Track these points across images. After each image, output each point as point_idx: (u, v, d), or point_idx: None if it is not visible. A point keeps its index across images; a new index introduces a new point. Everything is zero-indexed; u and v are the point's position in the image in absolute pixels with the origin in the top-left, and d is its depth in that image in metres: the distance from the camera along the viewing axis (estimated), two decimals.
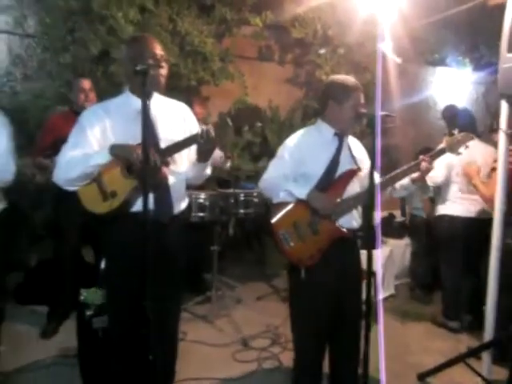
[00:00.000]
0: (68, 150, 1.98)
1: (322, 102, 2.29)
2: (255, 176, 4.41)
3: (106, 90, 3.98)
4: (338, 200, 2.14)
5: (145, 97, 1.71)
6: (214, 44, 4.32)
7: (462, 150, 2.34)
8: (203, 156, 2.02)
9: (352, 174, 2.17)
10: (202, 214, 3.52)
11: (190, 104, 2.32)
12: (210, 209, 3.53)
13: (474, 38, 5.68)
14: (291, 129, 4.57)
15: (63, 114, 3.36)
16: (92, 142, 1.96)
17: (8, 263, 4.09)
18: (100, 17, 3.87)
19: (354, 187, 2.19)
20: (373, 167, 1.89)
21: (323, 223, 2.13)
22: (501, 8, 2.61)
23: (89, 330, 2.46)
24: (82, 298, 2.55)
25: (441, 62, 6.26)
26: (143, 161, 1.69)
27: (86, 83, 3.28)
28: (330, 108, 2.21)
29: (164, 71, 2.03)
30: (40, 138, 3.27)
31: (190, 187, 2.31)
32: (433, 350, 3.21)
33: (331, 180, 2.17)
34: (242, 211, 3.70)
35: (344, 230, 2.15)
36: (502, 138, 2.83)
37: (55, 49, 3.96)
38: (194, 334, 3.26)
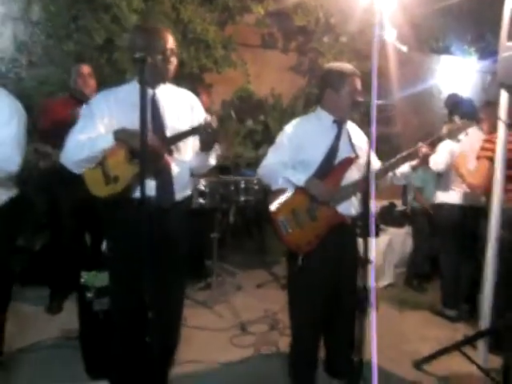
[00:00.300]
0: (76, 133, 2.02)
1: (320, 90, 2.31)
2: (256, 163, 4.42)
3: (111, 77, 4.02)
4: (336, 187, 2.16)
5: (143, 84, 1.71)
6: (216, 32, 4.33)
7: (462, 136, 2.34)
8: (206, 146, 2.05)
9: (350, 161, 2.19)
10: (202, 201, 3.55)
11: (194, 92, 2.36)
12: (211, 195, 3.56)
13: (480, 26, 5.63)
14: (293, 117, 4.54)
15: (62, 99, 3.40)
16: (99, 127, 2.00)
17: (14, 248, 4.21)
18: (104, 5, 3.89)
19: (353, 174, 2.21)
20: (369, 156, 1.90)
21: (321, 209, 2.16)
22: None
23: (90, 313, 2.52)
24: (82, 280, 2.61)
25: (445, 51, 6.21)
26: (141, 146, 1.70)
27: (85, 69, 3.29)
28: (328, 95, 2.24)
29: (173, 65, 2.06)
30: (38, 123, 3.29)
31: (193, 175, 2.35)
32: (430, 339, 3.23)
33: (330, 167, 2.19)
34: (242, 198, 3.72)
35: (343, 215, 2.17)
36: (501, 127, 2.82)
37: (59, 36, 3.99)
38: (194, 319, 3.30)
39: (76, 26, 3.98)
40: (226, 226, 4.54)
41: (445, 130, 2.31)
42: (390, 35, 4.81)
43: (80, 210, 3.30)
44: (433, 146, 2.32)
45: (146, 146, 1.73)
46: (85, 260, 3.30)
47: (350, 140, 2.24)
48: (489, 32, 5.81)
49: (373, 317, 1.81)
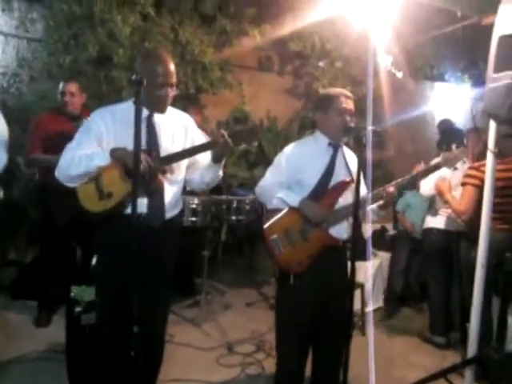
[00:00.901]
0: (72, 148, 2.05)
1: (313, 115, 2.40)
2: (249, 184, 4.48)
3: (109, 95, 4.11)
4: (330, 210, 2.20)
5: (138, 105, 1.74)
6: (213, 54, 4.41)
7: (459, 165, 2.38)
8: (218, 157, 2.10)
9: (345, 185, 2.23)
10: (194, 219, 3.56)
11: (186, 112, 2.40)
12: (202, 214, 3.58)
13: (474, 54, 5.75)
14: (287, 139, 4.64)
15: (50, 113, 3.48)
16: (95, 143, 2.04)
17: (4, 259, 4.24)
18: (101, 20, 3.97)
19: (347, 198, 2.23)
20: (358, 181, 1.94)
21: (314, 231, 2.19)
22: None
23: (77, 327, 2.53)
24: (72, 294, 2.62)
25: (439, 78, 6.33)
26: (134, 166, 1.74)
27: (72, 86, 3.37)
28: (318, 118, 2.31)
29: (171, 97, 2.09)
30: (31, 136, 3.39)
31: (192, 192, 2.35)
32: (417, 365, 3.20)
33: (325, 189, 2.22)
34: (233, 218, 3.75)
35: (334, 238, 2.21)
36: (489, 157, 2.87)
37: (59, 52, 4.08)
38: (181, 337, 3.29)
39: (76, 42, 4.07)
40: (217, 245, 4.55)
41: (441, 158, 2.34)
42: (385, 62, 4.92)
43: (71, 224, 3.33)
44: (428, 173, 2.37)
45: (140, 165, 1.78)
46: (75, 274, 3.32)
47: (347, 164, 2.27)
48: (481, 60, 5.94)
49: (370, 342, 1.82)
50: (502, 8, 2.18)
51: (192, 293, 3.93)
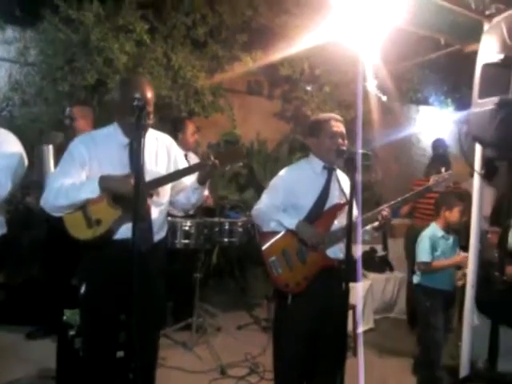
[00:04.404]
0: (58, 177, 2.04)
1: (305, 141, 2.47)
2: (240, 206, 4.52)
3: (103, 118, 4.14)
4: (325, 232, 2.25)
5: (140, 131, 1.77)
6: (205, 78, 4.50)
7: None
8: (204, 179, 2.14)
9: (339, 207, 2.29)
10: (187, 241, 3.56)
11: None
12: (195, 236, 3.58)
13: (456, 79, 5.96)
14: (277, 162, 4.72)
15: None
16: (79, 170, 2.04)
17: None
18: (97, 48, 4.03)
19: (342, 220, 2.28)
20: (351, 203, 1.99)
21: (311, 253, 2.24)
22: (476, 54, 2.80)
23: (70, 350, 2.51)
24: (64, 318, 2.61)
25: (424, 101, 6.53)
26: (135, 194, 1.73)
27: (81, 110, 3.42)
28: (311, 144, 2.38)
29: (147, 123, 2.06)
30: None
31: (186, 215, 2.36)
32: None
33: (320, 212, 2.28)
34: (226, 240, 3.76)
35: (331, 259, 2.26)
36: (476, 180, 2.96)
37: (54, 77, 4.11)
38: (173, 360, 3.26)
39: (70, 67, 4.11)
40: (209, 267, 4.54)
41: (431, 181, 2.46)
42: (371, 85, 5.07)
43: (66, 248, 3.30)
44: (421, 196, 2.44)
45: (139, 188, 1.77)
46: (68, 298, 3.28)
47: (341, 186, 2.33)
48: (464, 84, 6.14)
49: (360, 363, 1.82)
50: (484, 38, 2.30)
51: (184, 315, 3.90)
